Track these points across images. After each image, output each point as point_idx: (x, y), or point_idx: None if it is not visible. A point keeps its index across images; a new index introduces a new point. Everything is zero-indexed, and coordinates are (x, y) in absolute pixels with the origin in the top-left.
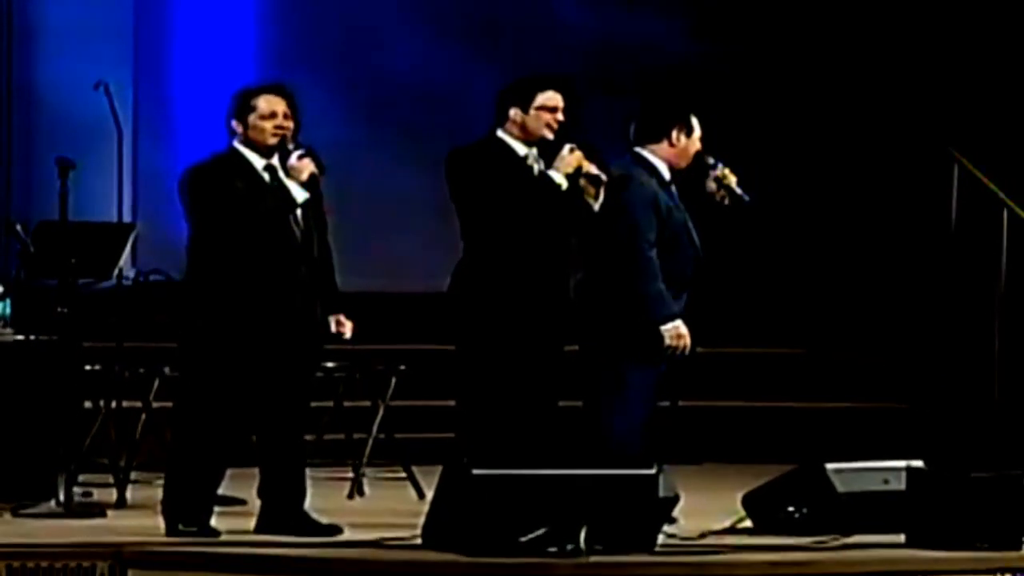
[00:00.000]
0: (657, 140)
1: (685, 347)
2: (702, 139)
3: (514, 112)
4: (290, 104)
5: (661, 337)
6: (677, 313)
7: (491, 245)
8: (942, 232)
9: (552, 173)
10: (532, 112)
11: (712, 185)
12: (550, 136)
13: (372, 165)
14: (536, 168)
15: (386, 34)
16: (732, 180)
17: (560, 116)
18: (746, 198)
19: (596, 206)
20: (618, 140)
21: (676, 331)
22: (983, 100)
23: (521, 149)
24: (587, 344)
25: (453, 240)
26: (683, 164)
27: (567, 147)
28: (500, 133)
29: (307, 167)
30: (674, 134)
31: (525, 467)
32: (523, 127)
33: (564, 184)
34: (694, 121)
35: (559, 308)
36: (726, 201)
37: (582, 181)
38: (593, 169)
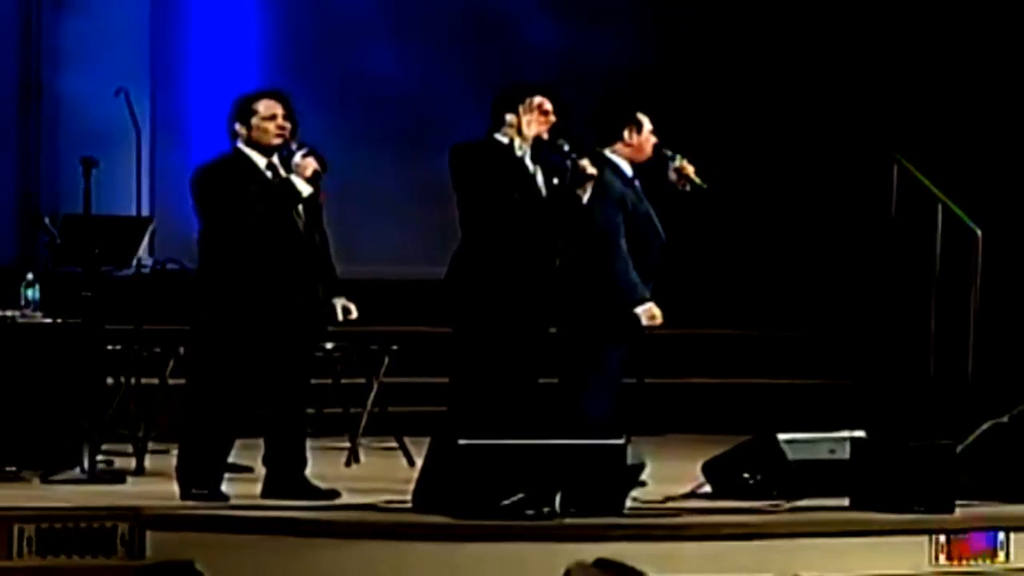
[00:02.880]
0: (613, 141)
1: (658, 325)
2: (655, 133)
3: (510, 116)
4: (287, 107)
5: (635, 318)
6: (648, 296)
7: (488, 234)
8: (883, 224)
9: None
10: (525, 115)
11: (673, 175)
12: (544, 135)
13: (360, 161)
14: (531, 168)
15: (373, 45)
16: (690, 170)
17: (552, 117)
18: (704, 185)
19: (585, 198)
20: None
21: (650, 312)
22: (922, 106)
23: (517, 148)
24: (567, 325)
25: (431, 231)
26: (642, 158)
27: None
28: (497, 136)
29: (311, 164)
30: (626, 134)
31: (506, 438)
32: (519, 129)
33: (555, 180)
34: (642, 118)
35: (546, 293)
36: (687, 188)
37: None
38: (590, 167)
